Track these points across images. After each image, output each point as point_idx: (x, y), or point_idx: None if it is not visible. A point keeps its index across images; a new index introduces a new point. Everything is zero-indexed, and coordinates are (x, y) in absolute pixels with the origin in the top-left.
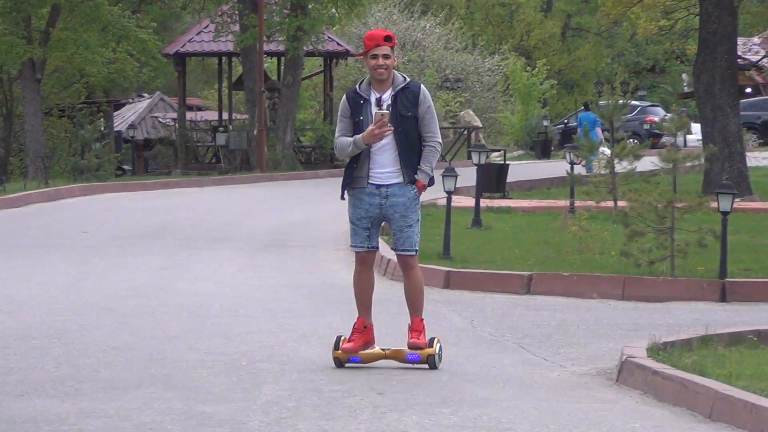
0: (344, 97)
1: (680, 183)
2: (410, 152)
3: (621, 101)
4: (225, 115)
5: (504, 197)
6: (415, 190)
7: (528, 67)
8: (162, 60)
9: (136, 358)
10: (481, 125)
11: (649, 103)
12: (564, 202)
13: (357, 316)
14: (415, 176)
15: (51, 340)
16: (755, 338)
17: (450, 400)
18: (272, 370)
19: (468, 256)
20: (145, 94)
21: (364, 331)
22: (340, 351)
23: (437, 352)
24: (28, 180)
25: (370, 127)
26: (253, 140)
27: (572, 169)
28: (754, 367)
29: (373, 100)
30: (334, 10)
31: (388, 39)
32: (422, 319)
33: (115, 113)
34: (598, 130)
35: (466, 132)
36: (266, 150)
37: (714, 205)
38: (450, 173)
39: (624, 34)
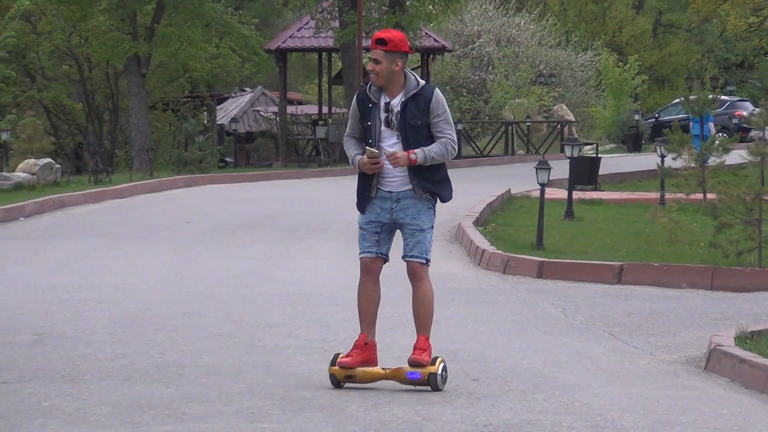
0: (355, 95)
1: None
2: (426, 169)
3: (711, 96)
4: (324, 109)
5: (596, 189)
6: (428, 195)
7: (620, 63)
8: (264, 55)
9: (237, 344)
10: (574, 119)
11: (738, 98)
12: (654, 195)
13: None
14: (416, 150)
15: (155, 327)
16: None
17: (543, 386)
18: None
19: (561, 247)
20: (247, 89)
21: (364, 348)
22: (335, 367)
23: (440, 372)
24: (134, 172)
25: (364, 160)
26: None
27: (662, 161)
28: None
29: (382, 104)
30: (431, 6)
31: (381, 42)
32: (428, 338)
33: (218, 107)
34: (711, 124)
35: (559, 126)
36: None
37: None
38: (543, 166)
39: (714, 30)
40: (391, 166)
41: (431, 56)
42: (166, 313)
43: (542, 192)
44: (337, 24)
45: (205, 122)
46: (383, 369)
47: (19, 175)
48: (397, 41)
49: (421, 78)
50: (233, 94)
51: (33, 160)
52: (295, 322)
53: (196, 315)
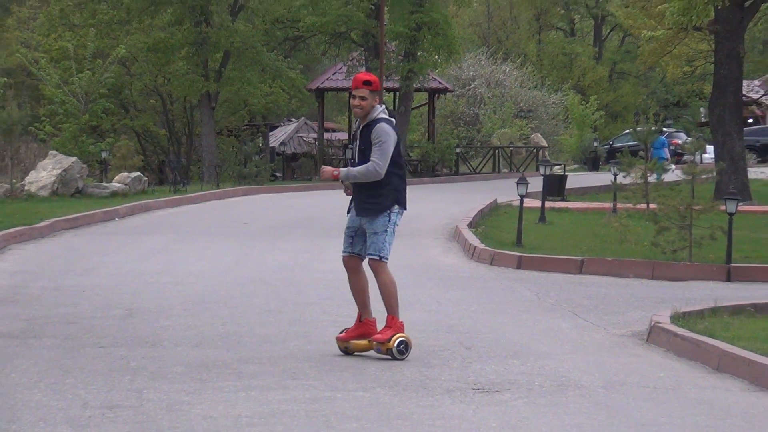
0: None
1: (697, 191)
2: (365, 185)
3: (654, 128)
4: None
5: (563, 200)
6: (385, 205)
7: (583, 101)
8: (306, 93)
9: (283, 319)
10: (546, 145)
11: (675, 130)
12: (609, 204)
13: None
14: (341, 168)
15: (219, 305)
16: (753, 310)
17: (520, 353)
18: None
19: (535, 245)
20: (293, 119)
21: (360, 324)
22: (337, 340)
23: (395, 347)
24: (204, 183)
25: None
26: None
27: (615, 178)
28: (751, 331)
29: (358, 131)
30: (437, 57)
31: (367, 83)
32: (394, 317)
33: (270, 133)
34: (666, 150)
35: (535, 150)
36: None
37: (722, 208)
38: (522, 181)
39: (656, 76)
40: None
41: (436, 95)
42: (228, 293)
43: (521, 202)
44: (363, 70)
45: (260, 145)
46: (368, 341)
47: (115, 185)
48: (376, 83)
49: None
50: (282, 123)
51: (126, 173)
52: (328, 301)
53: (251, 295)
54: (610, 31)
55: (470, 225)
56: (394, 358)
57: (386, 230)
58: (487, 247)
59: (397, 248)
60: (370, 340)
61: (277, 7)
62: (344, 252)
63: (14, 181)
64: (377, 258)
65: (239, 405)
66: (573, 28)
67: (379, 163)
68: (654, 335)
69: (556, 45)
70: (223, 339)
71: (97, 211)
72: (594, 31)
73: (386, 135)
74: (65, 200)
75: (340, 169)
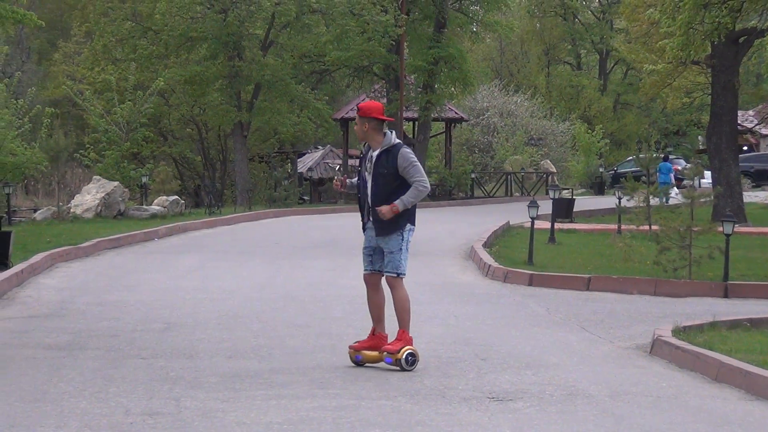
0: None
1: (695, 213)
2: (383, 203)
3: (655, 155)
4: None
5: (571, 222)
6: (398, 225)
7: (589, 130)
8: (332, 123)
9: (311, 332)
10: (555, 171)
11: (675, 156)
12: (613, 226)
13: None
14: (396, 202)
15: (251, 319)
16: (749, 324)
17: (532, 364)
18: None
19: (545, 263)
20: (320, 146)
21: (373, 337)
22: (349, 349)
23: (404, 358)
24: (237, 206)
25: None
26: None
27: (620, 202)
28: (747, 344)
29: (368, 155)
30: (453, 89)
31: (357, 110)
32: (405, 331)
33: (298, 159)
34: (671, 175)
35: (545, 176)
36: None
37: (720, 229)
38: (533, 204)
39: (657, 107)
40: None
41: (452, 124)
42: (260, 308)
43: (532, 223)
44: (385, 100)
45: (289, 170)
46: (378, 353)
47: (154, 208)
48: (365, 109)
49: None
50: (309, 150)
51: (164, 197)
52: (353, 316)
53: (281, 311)
54: (614, 64)
55: (485, 245)
56: (402, 369)
57: (401, 248)
58: (501, 266)
59: (417, 266)
60: (381, 351)
61: (305, 43)
62: (365, 270)
63: (61, 204)
64: (395, 275)
65: (270, 412)
66: (579, 62)
67: (422, 180)
68: (657, 348)
69: (563, 78)
70: (255, 351)
71: (138, 232)
72: (599, 64)
73: (414, 156)
74: (108, 222)
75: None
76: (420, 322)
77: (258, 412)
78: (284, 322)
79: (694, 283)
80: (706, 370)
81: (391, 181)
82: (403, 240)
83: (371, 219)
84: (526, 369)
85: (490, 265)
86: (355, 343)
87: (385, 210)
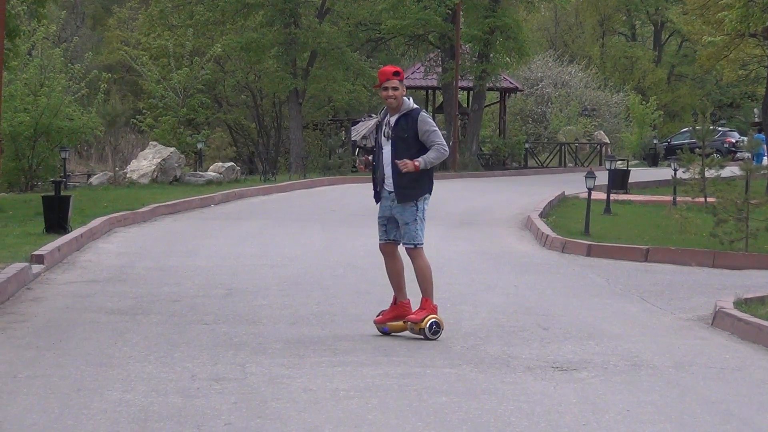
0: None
1: (751, 186)
2: (407, 173)
3: (711, 127)
4: None
5: (626, 193)
6: (412, 195)
7: (643, 101)
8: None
9: (371, 299)
10: (609, 142)
11: (728, 129)
12: (669, 198)
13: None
14: (418, 159)
15: (313, 286)
16: None
17: (594, 335)
18: (468, 311)
19: (602, 234)
20: (374, 114)
21: (395, 306)
22: (374, 321)
23: (427, 327)
24: (292, 174)
25: (361, 159)
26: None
27: (675, 174)
28: None
29: (385, 121)
30: (508, 59)
31: (396, 74)
32: (428, 299)
33: (353, 127)
34: (764, 147)
35: (598, 146)
36: (458, 156)
37: None
38: (591, 175)
39: (712, 79)
40: (388, 173)
41: (507, 94)
42: (320, 275)
43: (589, 194)
44: (440, 69)
45: (343, 138)
46: (404, 322)
47: (210, 174)
48: (402, 73)
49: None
50: (363, 119)
51: (220, 163)
52: (413, 283)
53: (342, 277)
54: (669, 36)
55: (541, 215)
56: (426, 338)
57: (416, 219)
58: (559, 236)
59: (475, 235)
60: (405, 321)
61: (361, 11)
62: (381, 240)
63: (117, 169)
64: (413, 246)
65: (336, 379)
66: (634, 33)
67: (443, 144)
68: (719, 320)
69: (618, 49)
70: (317, 318)
71: (194, 198)
72: (654, 36)
73: (432, 120)
74: (164, 187)
75: (419, 159)
76: (480, 290)
77: (324, 379)
78: (345, 288)
79: (753, 255)
80: None
81: (411, 144)
82: (417, 210)
83: (394, 184)
84: (589, 339)
85: (547, 235)
86: (378, 316)
87: (408, 163)
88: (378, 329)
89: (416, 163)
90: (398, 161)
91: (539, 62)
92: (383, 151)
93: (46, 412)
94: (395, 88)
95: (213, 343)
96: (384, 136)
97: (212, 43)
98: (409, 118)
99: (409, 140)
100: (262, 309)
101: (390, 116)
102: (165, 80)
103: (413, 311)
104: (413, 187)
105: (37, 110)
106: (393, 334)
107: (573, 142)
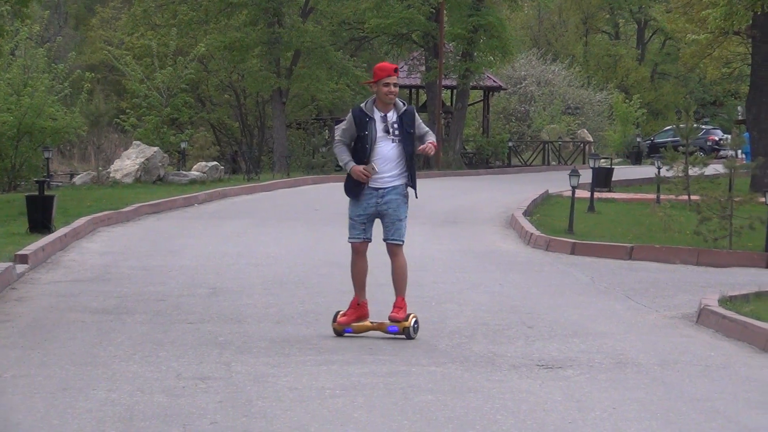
0: (351, 112)
1: (734, 184)
2: (411, 161)
3: (694, 125)
4: None
5: (610, 191)
6: (405, 191)
7: (626, 100)
8: (370, 90)
9: None
10: (592, 140)
11: (711, 127)
12: (652, 196)
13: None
14: (429, 142)
15: (297, 285)
16: None
17: (579, 332)
18: (453, 309)
19: (586, 232)
20: None
21: (357, 307)
22: (336, 324)
23: (412, 325)
24: (275, 173)
25: (361, 169)
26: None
27: (659, 171)
28: None
29: (377, 117)
30: (492, 57)
31: (397, 71)
32: (403, 298)
33: (336, 126)
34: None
35: (582, 145)
36: (442, 155)
37: (761, 199)
38: (575, 173)
39: (695, 77)
40: (389, 168)
41: (491, 93)
42: (304, 274)
43: (573, 192)
44: (423, 68)
45: (327, 137)
46: (371, 323)
47: (193, 173)
48: (398, 70)
49: (483, 108)
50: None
51: (203, 162)
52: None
53: (326, 276)
54: (652, 34)
55: (525, 213)
56: (409, 337)
57: (407, 216)
58: (543, 234)
59: (459, 234)
60: (391, 319)
61: (344, 10)
62: (356, 239)
63: (100, 168)
64: (401, 242)
65: (321, 377)
66: (617, 32)
67: (434, 136)
68: (703, 317)
69: (601, 47)
70: (302, 317)
71: (178, 197)
72: (637, 34)
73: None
74: (148, 187)
75: (432, 142)
76: (465, 289)
77: (309, 378)
78: (330, 287)
79: (737, 253)
80: (754, 339)
81: (415, 139)
82: (407, 207)
83: (410, 177)
84: (574, 337)
85: (531, 234)
86: (341, 317)
87: (435, 146)
88: (337, 332)
89: (435, 144)
90: (422, 147)
91: (523, 61)
92: (381, 147)
93: (32, 411)
94: (396, 84)
95: (198, 342)
96: (385, 132)
97: (196, 43)
98: (407, 115)
99: (413, 135)
100: (247, 308)
101: (384, 112)
102: (148, 80)
103: (392, 310)
104: (412, 182)
105: (21, 110)
106: (357, 335)
107: (556, 141)
